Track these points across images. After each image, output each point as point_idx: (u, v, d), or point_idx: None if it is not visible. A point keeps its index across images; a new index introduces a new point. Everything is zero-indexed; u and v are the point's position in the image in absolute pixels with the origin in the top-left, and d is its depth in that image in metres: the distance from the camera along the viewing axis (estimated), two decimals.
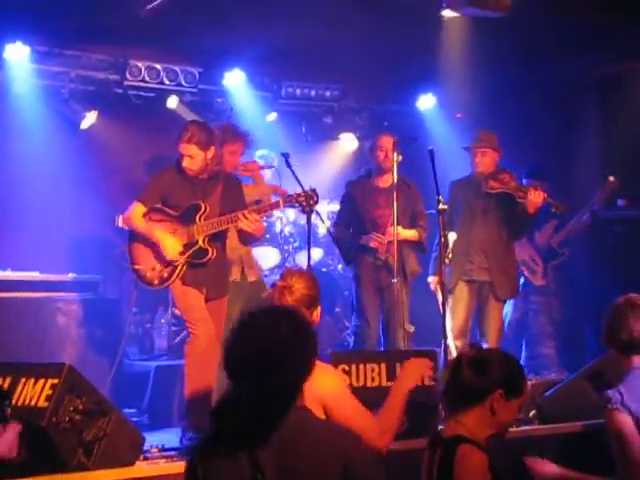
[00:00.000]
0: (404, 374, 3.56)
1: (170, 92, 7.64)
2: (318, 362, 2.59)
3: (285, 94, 8.20)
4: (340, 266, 7.71)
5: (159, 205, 5.09)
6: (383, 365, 4.23)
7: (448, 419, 3.04)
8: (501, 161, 6.23)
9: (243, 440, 2.31)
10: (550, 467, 3.63)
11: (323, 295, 3.72)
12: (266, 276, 7.11)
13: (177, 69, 7.55)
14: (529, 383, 5.15)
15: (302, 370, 2.42)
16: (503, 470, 2.93)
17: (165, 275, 5.01)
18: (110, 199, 7.03)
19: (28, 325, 6.04)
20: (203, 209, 5.00)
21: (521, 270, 6.96)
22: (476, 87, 7.71)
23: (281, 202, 4.99)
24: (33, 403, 3.65)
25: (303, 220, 6.52)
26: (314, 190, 4.98)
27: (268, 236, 7.28)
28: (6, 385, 3.78)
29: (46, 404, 3.62)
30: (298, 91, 8.22)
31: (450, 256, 5.71)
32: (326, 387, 3.26)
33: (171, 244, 4.98)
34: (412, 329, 5.72)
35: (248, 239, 5.24)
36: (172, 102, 7.69)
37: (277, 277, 7.31)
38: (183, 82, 7.59)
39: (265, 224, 6.48)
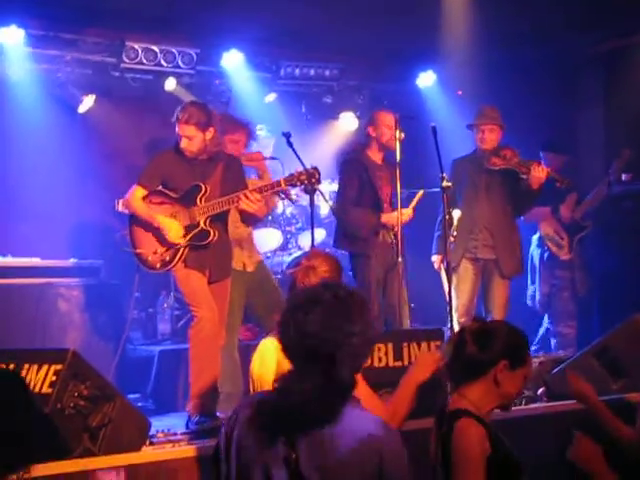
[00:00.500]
0: (415, 367, 3.51)
1: (168, 74, 7.56)
2: None
3: (284, 74, 8.12)
4: None
5: (159, 188, 5.04)
6: (390, 345, 4.18)
7: (452, 393, 3.03)
8: (503, 138, 6.18)
9: (294, 423, 2.27)
10: (588, 389, 3.62)
11: None
12: (268, 257, 7.08)
13: (174, 51, 7.46)
14: (537, 360, 5.14)
15: (368, 353, 2.37)
16: (504, 443, 2.90)
17: (167, 258, 4.97)
18: (110, 183, 6.98)
19: (30, 311, 6.03)
20: (204, 190, 4.95)
21: (547, 245, 6.94)
22: (477, 64, 7.63)
23: (282, 181, 4.91)
24: (37, 389, 3.61)
25: (305, 201, 6.45)
26: (315, 168, 4.93)
27: (270, 218, 7.23)
28: None
29: (50, 390, 3.59)
30: (297, 71, 8.13)
31: (455, 234, 5.67)
32: None
33: (172, 227, 4.93)
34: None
35: (250, 219, 5.19)
36: (170, 84, 7.61)
37: (280, 259, 7.31)
38: (181, 64, 7.50)
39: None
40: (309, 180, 4.85)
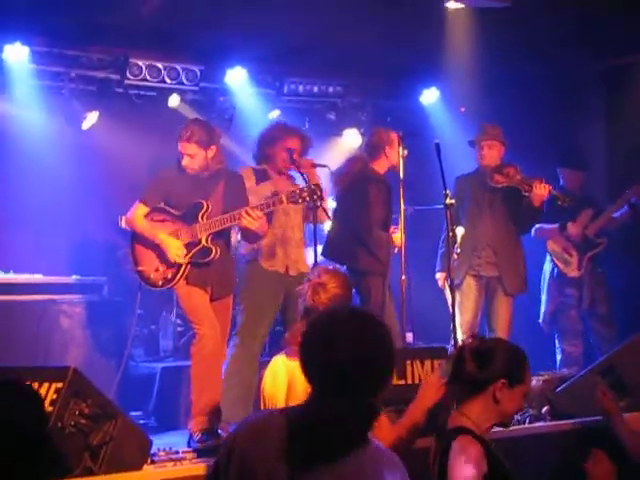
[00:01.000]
0: (421, 395, 3.41)
1: (171, 91, 7.58)
2: None
3: (287, 91, 8.13)
4: None
5: (161, 205, 5.04)
6: None
7: (453, 411, 3.01)
8: (505, 155, 6.18)
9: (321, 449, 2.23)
10: (614, 406, 3.73)
11: None
12: None
13: (178, 67, 7.48)
14: (541, 379, 5.11)
15: (390, 380, 2.33)
16: (502, 462, 2.88)
17: (169, 276, 4.96)
18: (113, 199, 6.96)
19: (32, 328, 6.01)
20: (205, 208, 4.95)
21: (554, 262, 6.84)
22: (479, 81, 7.64)
23: (284, 197, 4.90)
24: None
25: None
26: (318, 185, 4.92)
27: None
28: None
29: (51, 408, 3.55)
30: (300, 88, 8.14)
31: (459, 251, 5.65)
32: None
33: (174, 244, 4.93)
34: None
35: (251, 237, 5.16)
36: (174, 101, 7.62)
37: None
38: (184, 80, 7.52)
39: None
40: (311, 197, 4.84)
